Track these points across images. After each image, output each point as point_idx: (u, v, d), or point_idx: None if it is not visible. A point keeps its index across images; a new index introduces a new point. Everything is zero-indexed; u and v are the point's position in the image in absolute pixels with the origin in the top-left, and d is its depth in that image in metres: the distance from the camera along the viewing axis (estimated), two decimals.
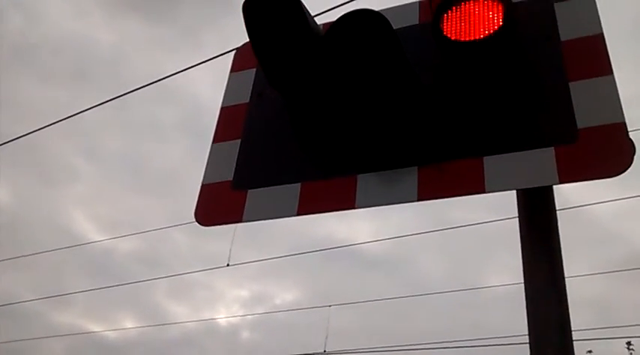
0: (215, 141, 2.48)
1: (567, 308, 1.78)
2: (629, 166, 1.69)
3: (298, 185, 2.15)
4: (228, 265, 14.10)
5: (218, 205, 2.24)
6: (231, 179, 2.29)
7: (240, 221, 2.16)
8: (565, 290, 1.81)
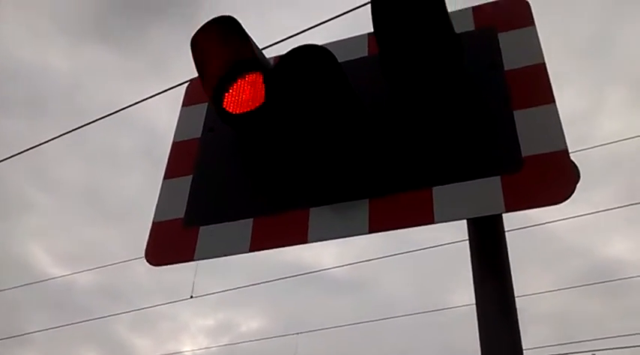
0: (166, 177, 2.45)
1: (519, 336, 1.79)
2: (572, 193, 1.73)
3: (250, 221, 2.13)
4: (192, 297, 13.87)
5: (169, 244, 2.20)
6: (183, 216, 2.26)
7: (191, 259, 2.12)
8: (516, 315, 1.83)
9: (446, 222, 1.83)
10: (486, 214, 1.79)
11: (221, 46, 2.25)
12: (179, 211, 2.28)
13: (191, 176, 2.39)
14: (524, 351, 1.82)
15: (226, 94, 2.28)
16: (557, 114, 1.93)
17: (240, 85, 2.28)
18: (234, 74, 2.28)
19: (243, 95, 2.26)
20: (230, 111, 2.25)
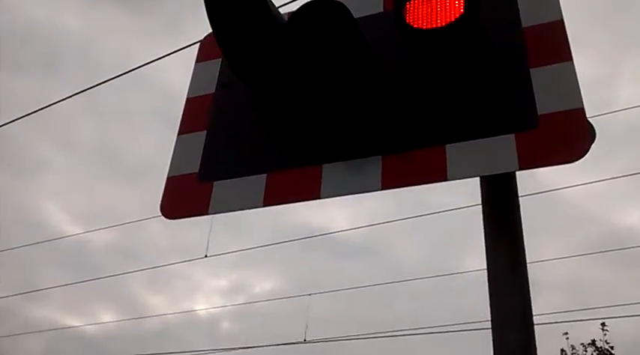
0: (180, 132, 2.46)
1: (529, 295, 1.80)
2: (586, 152, 1.72)
3: (264, 176, 2.14)
4: (206, 256, 14.07)
5: (184, 198, 2.22)
6: (197, 171, 2.28)
7: (206, 213, 2.15)
8: (527, 276, 1.84)
9: (459, 179, 1.83)
10: (500, 172, 1.79)
11: None
12: (193, 166, 2.30)
13: (205, 131, 2.40)
14: (534, 316, 1.84)
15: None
16: (575, 72, 1.90)
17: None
18: None
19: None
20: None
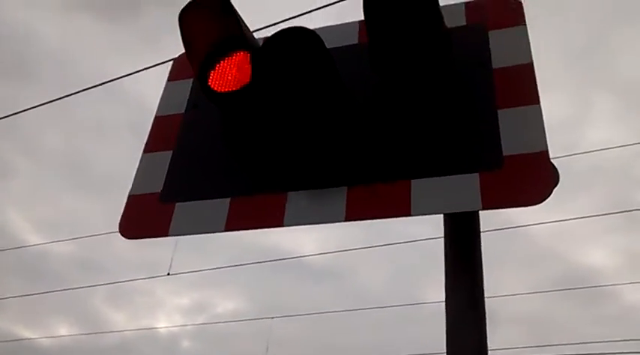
0: (146, 150, 2.42)
1: (485, 333, 1.80)
2: (549, 195, 1.73)
3: (227, 200, 2.11)
4: (168, 274, 13.85)
5: (144, 217, 2.18)
6: (160, 191, 2.24)
7: (166, 235, 2.11)
8: (484, 314, 1.84)
9: (422, 215, 1.82)
10: (462, 210, 1.80)
11: (209, 22, 2.22)
12: (156, 185, 2.26)
13: (171, 151, 2.37)
14: (493, 351, 1.84)
15: (212, 72, 2.25)
16: (541, 115, 1.93)
17: (227, 64, 2.25)
18: (221, 52, 2.25)
19: (229, 74, 2.23)
20: (215, 89, 2.23)
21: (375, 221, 1.92)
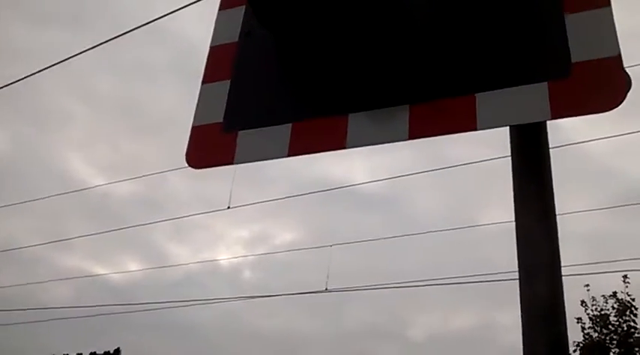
0: (204, 81, 2.44)
1: (558, 245, 1.79)
2: (621, 101, 1.67)
3: (289, 125, 2.12)
4: (229, 207, 14.21)
5: (209, 147, 2.22)
6: (222, 120, 2.27)
7: (231, 163, 2.15)
8: (556, 227, 1.82)
9: (489, 128, 1.79)
10: (532, 121, 1.75)
11: None
12: (218, 116, 2.29)
13: (229, 81, 2.37)
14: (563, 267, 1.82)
15: None
16: (612, 18, 1.82)
17: None
18: None
19: None
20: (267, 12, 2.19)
21: (427, 143, 1.89)
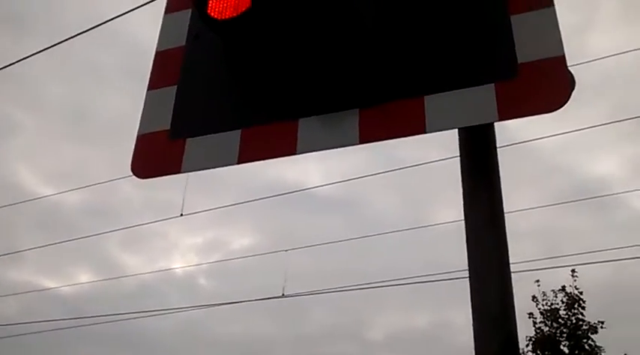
0: (150, 88, 2.37)
1: (507, 247, 1.80)
2: (566, 101, 1.69)
3: (238, 132, 2.08)
4: (181, 215, 13.99)
5: (155, 156, 2.15)
6: (169, 128, 2.20)
7: (179, 172, 2.09)
8: (504, 227, 1.83)
9: (437, 131, 1.79)
10: (479, 123, 1.76)
11: None
12: (165, 123, 2.22)
13: (176, 86, 2.31)
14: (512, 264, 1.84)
15: None
16: (556, 18, 1.85)
17: None
18: None
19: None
20: (214, 16, 2.14)
21: (380, 144, 1.88)
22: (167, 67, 2.39)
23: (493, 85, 1.79)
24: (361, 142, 1.88)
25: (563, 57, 1.77)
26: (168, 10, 2.59)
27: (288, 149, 1.97)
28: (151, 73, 2.42)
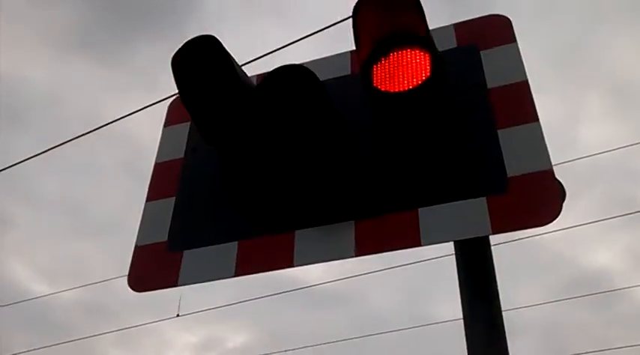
0: (149, 199, 2.41)
1: (506, 347, 1.77)
2: (558, 214, 1.72)
3: (235, 244, 2.09)
4: (178, 315, 13.72)
5: (152, 268, 2.15)
6: (166, 239, 2.21)
7: (175, 285, 2.08)
8: (504, 335, 1.81)
9: (432, 244, 1.80)
10: (472, 236, 1.78)
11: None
12: (162, 234, 2.24)
13: (174, 198, 2.35)
14: None
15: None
16: (542, 133, 1.92)
17: None
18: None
19: None
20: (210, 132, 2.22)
21: None
22: (165, 179, 2.44)
23: (485, 198, 1.83)
24: (357, 255, 1.89)
25: (551, 170, 1.81)
26: (167, 123, 2.68)
27: (285, 262, 1.98)
28: (150, 184, 2.46)
